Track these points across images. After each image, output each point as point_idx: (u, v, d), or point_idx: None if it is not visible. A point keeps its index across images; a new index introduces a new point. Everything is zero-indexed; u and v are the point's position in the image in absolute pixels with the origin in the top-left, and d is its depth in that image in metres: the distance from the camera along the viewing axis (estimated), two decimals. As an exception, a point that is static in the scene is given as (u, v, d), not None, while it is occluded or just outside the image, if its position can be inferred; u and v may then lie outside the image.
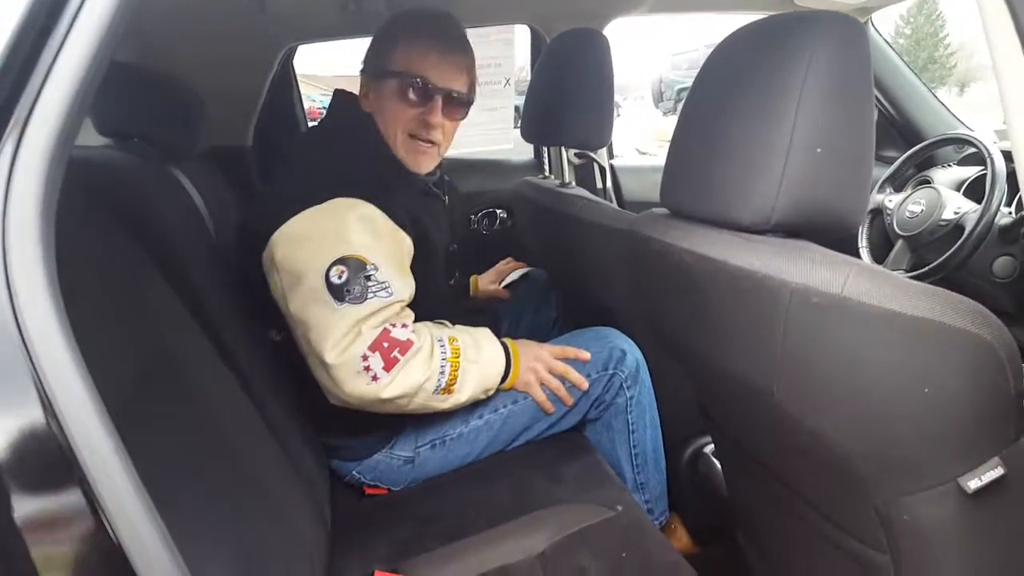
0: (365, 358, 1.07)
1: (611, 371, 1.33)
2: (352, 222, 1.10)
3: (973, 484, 0.64)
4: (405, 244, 1.19)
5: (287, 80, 1.98)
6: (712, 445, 1.47)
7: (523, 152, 2.19)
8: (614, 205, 1.77)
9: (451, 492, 1.27)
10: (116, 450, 0.52)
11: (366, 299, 1.08)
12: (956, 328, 0.60)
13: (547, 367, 1.29)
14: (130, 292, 0.85)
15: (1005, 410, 0.64)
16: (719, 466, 1.34)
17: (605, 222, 1.27)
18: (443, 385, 1.16)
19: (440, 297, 1.41)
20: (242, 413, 0.98)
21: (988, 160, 1.55)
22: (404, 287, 1.15)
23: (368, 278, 1.08)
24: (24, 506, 0.51)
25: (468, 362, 1.19)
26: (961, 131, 1.82)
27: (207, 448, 0.84)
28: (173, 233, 1.05)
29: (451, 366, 1.16)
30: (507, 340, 1.30)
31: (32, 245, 0.48)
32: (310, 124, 2.15)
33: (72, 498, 0.52)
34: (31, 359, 0.49)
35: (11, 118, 0.48)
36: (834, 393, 0.68)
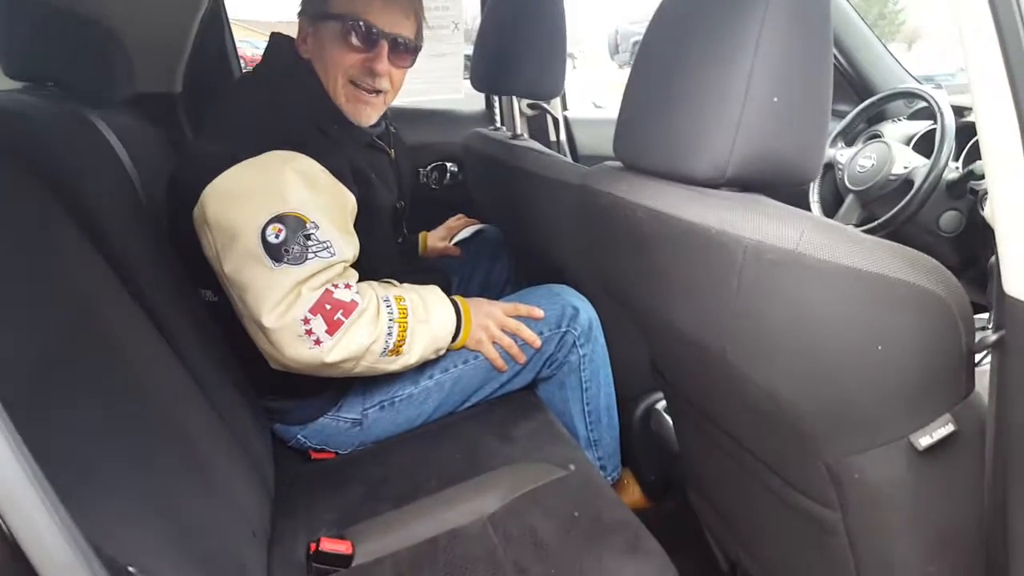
0: (306, 321, 1.02)
1: (564, 328, 1.31)
2: (290, 177, 1.03)
3: (924, 441, 0.64)
4: (348, 201, 1.12)
5: (218, 21, 1.85)
6: (664, 401, 1.47)
7: (474, 102, 2.12)
8: (567, 158, 1.73)
9: (400, 454, 1.25)
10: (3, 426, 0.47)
11: (306, 259, 1.01)
12: (912, 284, 0.59)
13: (499, 324, 1.26)
14: (44, 251, 0.78)
15: (956, 367, 0.63)
16: (671, 422, 1.34)
17: (556, 176, 1.23)
18: (391, 346, 1.11)
19: (387, 256, 1.35)
20: (173, 378, 0.93)
21: (938, 115, 1.55)
22: (347, 246, 1.08)
23: (308, 237, 1.02)
24: None
25: (417, 321, 1.14)
26: (912, 85, 1.82)
27: (134, 414, 0.79)
28: (94, 187, 0.97)
29: (399, 327, 1.12)
30: (457, 298, 1.26)
31: None
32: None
33: None
34: None
35: None
36: (787, 351, 0.67)
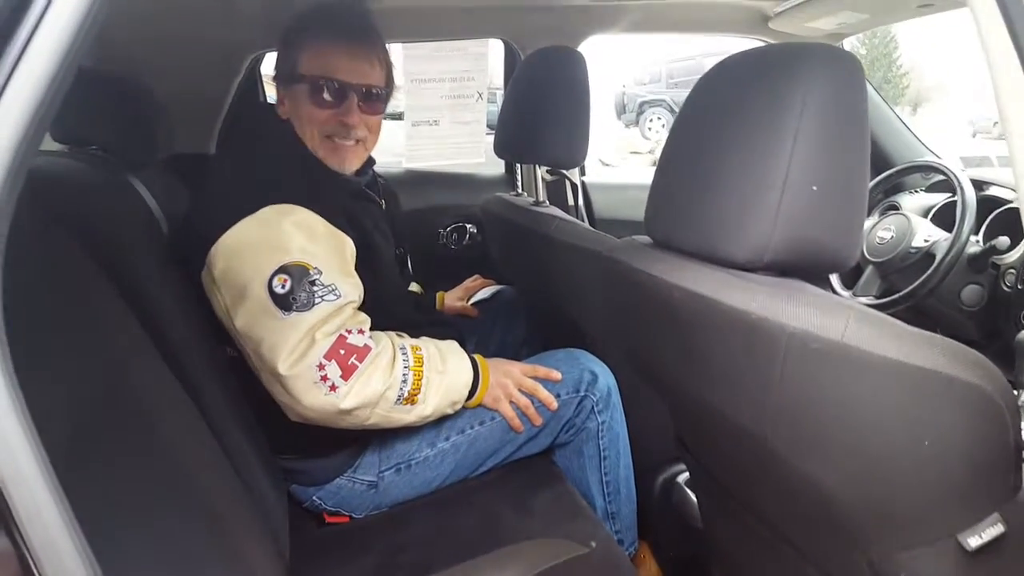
0: (321, 367, 1.03)
1: (582, 393, 1.30)
2: (288, 228, 1.06)
3: (973, 542, 0.61)
4: (347, 245, 1.15)
5: (253, 87, 1.90)
6: (685, 474, 1.44)
7: (493, 166, 2.15)
8: (587, 224, 1.74)
9: (416, 522, 1.22)
10: (51, 492, 0.47)
11: (314, 305, 1.04)
12: (959, 379, 0.58)
13: (517, 384, 1.25)
14: (83, 309, 0.78)
15: (1005, 463, 0.61)
16: (693, 497, 1.31)
17: (582, 244, 1.24)
18: (406, 394, 1.11)
19: (397, 299, 1.38)
20: (197, 439, 0.92)
21: (958, 188, 1.57)
22: (351, 288, 1.10)
23: (313, 283, 1.04)
24: None
25: (433, 372, 1.14)
26: (930, 158, 1.85)
27: (159, 480, 0.78)
28: (131, 249, 0.99)
29: (414, 374, 1.12)
30: (476, 355, 1.25)
31: None
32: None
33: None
34: None
35: None
36: (831, 442, 0.65)
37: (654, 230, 0.84)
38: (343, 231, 1.14)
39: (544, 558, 1.08)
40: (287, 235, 1.05)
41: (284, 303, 1.02)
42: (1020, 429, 0.61)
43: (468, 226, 2.05)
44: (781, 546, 0.86)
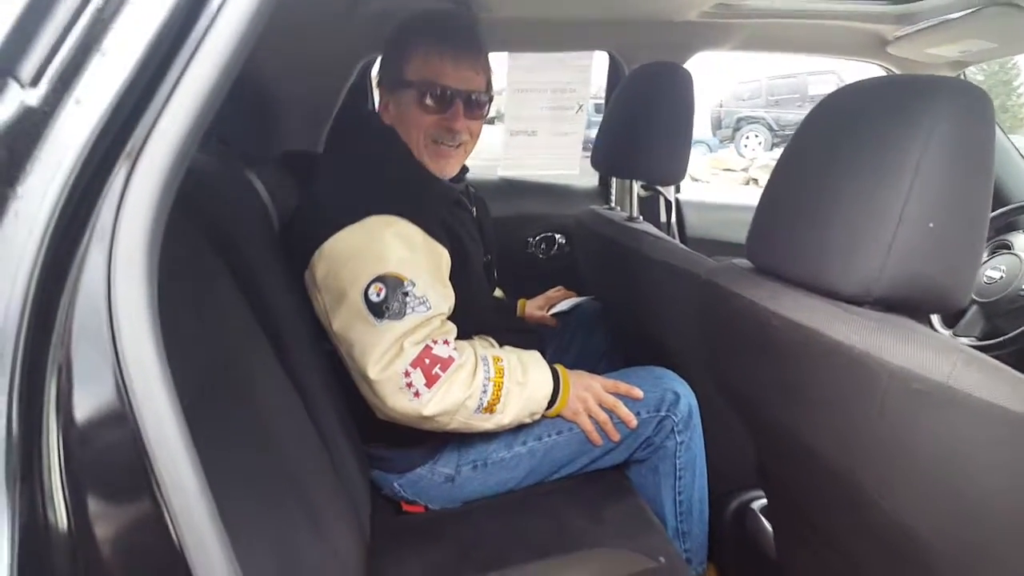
0: (407, 374, 1.08)
1: (663, 413, 1.30)
2: (389, 239, 1.11)
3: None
4: (443, 257, 1.20)
5: (363, 89, 1.99)
6: (761, 501, 1.42)
7: (587, 178, 2.17)
8: (676, 240, 1.73)
9: (489, 519, 1.25)
10: (188, 453, 0.52)
11: (405, 315, 1.08)
12: None
13: (597, 399, 1.26)
14: (203, 294, 0.85)
15: None
16: (768, 526, 1.29)
17: (676, 263, 1.24)
18: (485, 404, 1.15)
19: (483, 306, 1.41)
20: (296, 420, 0.98)
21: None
22: (442, 300, 1.15)
23: (406, 294, 1.09)
24: (96, 501, 0.50)
25: (513, 383, 1.18)
26: (1049, 198, 1.75)
27: (260, 454, 0.84)
28: (247, 240, 1.05)
29: (494, 385, 1.15)
30: (558, 366, 1.28)
31: (138, 273, 0.47)
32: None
33: (142, 497, 0.51)
34: (119, 364, 0.48)
35: (128, 141, 0.47)
36: (927, 486, 0.64)
37: (756, 255, 0.84)
38: (440, 241, 1.18)
39: (613, 568, 1.10)
40: (387, 246, 1.10)
41: (378, 311, 1.08)
42: None
43: (557, 236, 2.07)
44: (862, 585, 0.84)
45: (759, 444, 1.02)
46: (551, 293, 1.84)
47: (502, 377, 1.16)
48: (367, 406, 1.16)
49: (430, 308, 1.11)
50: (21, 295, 0.44)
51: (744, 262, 0.89)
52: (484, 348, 1.21)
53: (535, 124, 2.02)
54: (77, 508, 0.49)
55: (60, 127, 0.45)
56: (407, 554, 1.16)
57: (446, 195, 1.30)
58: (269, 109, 1.35)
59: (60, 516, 0.48)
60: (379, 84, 1.30)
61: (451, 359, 1.11)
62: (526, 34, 1.87)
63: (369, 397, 1.12)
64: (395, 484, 1.28)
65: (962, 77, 1.82)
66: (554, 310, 1.78)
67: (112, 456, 0.51)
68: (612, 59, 2.00)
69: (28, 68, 0.44)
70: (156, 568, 0.53)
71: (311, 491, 0.96)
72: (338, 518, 1.01)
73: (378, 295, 1.08)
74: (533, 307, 1.79)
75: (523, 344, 1.32)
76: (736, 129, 12.93)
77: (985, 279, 1.63)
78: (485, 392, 1.14)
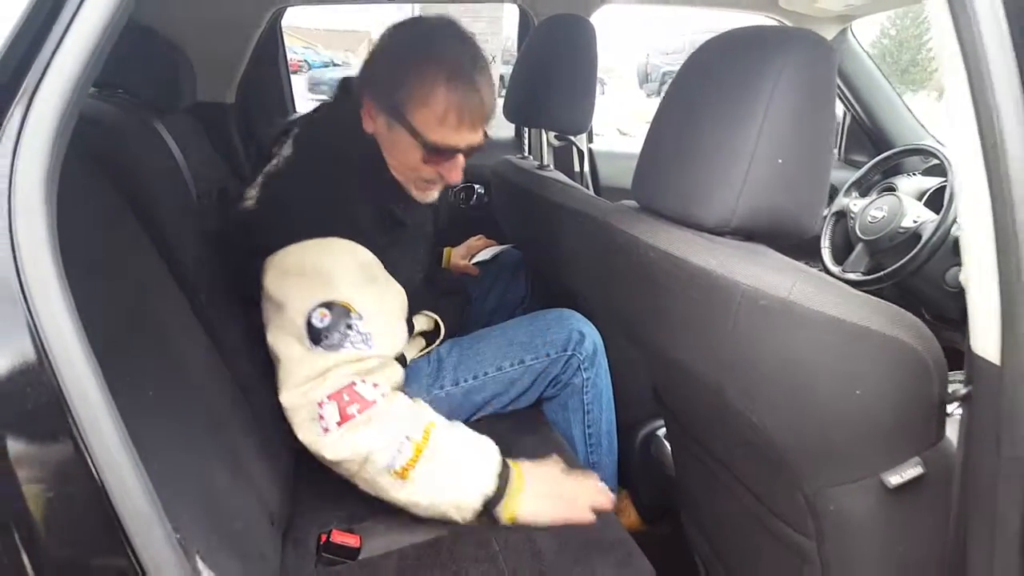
0: (321, 405, 1.03)
1: (569, 352, 1.38)
2: (348, 267, 1.06)
3: (894, 480, 0.70)
4: (399, 298, 1.17)
5: (274, 39, 1.96)
6: (664, 428, 1.53)
7: (503, 130, 2.20)
8: (589, 191, 1.80)
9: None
10: (103, 395, 0.55)
11: (342, 348, 1.03)
12: (891, 337, 0.65)
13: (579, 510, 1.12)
14: (112, 245, 0.87)
15: (927, 415, 0.69)
16: (669, 448, 1.41)
17: (579, 208, 1.31)
18: (397, 467, 1.04)
19: (423, 292, 1.38)
20: (212, 370, 1.01)
21: (949, 172, 1.62)
22: (388, 343, 1.10)
23: (349, 326, 1.04)
24: (17, 445, 0.54)
25: (439, 455, 1.06)
26: (927, 142, 1.89)
27: (176, 398, 0.87)
28: (156, 190, 1.06)
29: (413, 447, 1.05)
30: (514, 463, 1.14)
31: (38, 214, 0.50)
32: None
33: (61, 440, 0.55)
34: (31, 313, 0.51)
35: (21, 85, 0.50)
36: (775, 390, 0.73)
37: (639, 195, 0.92)
38: (401, 280, 1.16)
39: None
40: (344, 272, 1.05)
41: (315, 336, 1.02)
42: (945, 386, 0.69)
43: (476, 187, 2.12)
44: (736, 487, 0.95)
45: (652, 371, 1.11)
46: (472, 242, 1.89)
47: (427, 442, 1.06)
48: None
49: (371, 348, 1.05)
50: None
51: (634, 203, 0.96)
52: (422, 407, 1.13)
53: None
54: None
55: None
56: (327, 495, 1.19)
57: (413, 216, 1.22)
58: (177, 61, 1.34)
59: None
60: (369, 95, 1.14)
61: (373, 402, 1.04)
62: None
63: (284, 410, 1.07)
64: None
65: (849, 29, 1.93)
66: (476, 259, 1.84)
67: (31, 403, 0.54)
68: (522, 11, 2.03)
69: None
70: (79, 504, 0.57)
71: (230, 434, 1.00)
72: (259, 459, 1.05)
73: (321, 320, 1.03)
74: (457, 256, 1.84)
75: (451, 305, 1.36)
76: (662, 84, 13.14)
77: (869, 219, 1.76)
78: (400, 452, 1.04)
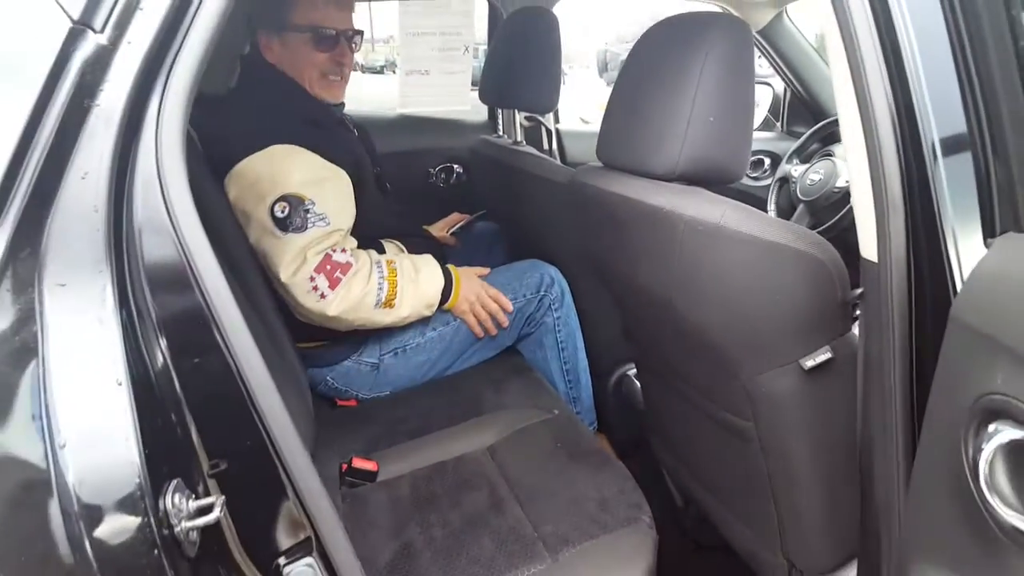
0: (312, 279, 1.29)
1: (541, 292, 1.59)
2: (290, 165, 1.29)
3: (808, 363, 0.89)
4: (342, 178, 1.39)
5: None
6: (634, 369, 1.73)
7: (478, 113, 2.38)
8: (558, 162, 1.99)
9: (413, 401, 1.50)
10: (238, 308, 0.72)
11: (307, 228, 1.28)
12: (799, 250, 0.85)
13: (481, 301, 1.52)
14: None
15: (833, 312, 0.89)
16: (639, 386, 1.60)
17: (549, 176, 1.50)
18: (383, 300, 1.37)
19: (381, 211, 1.61)
20: (246, 310, 1.17)
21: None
22: (341, 217, 1.35)
23: (307, 211, 1.28)
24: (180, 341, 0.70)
25: (406, 281, 1.40)
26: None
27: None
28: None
29: (388, 284, 1.38)
30: (451, 267, 1.52)
31: (178, 164, 0.68)
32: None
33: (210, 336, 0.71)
34: (181, 244, 0.68)
35: (165, 63, 0.68)
36: (713, 298, 0.93)
37: (602, 154, 1.11)
38: (339, 164, 1.37)
39: (517, 421, 1.37)
40: (289, 170, 1.29)
41: (282, 225, 1.27)
42: (847, 289, 0.88)
43: (455, 166, 2.28)
44: (690, 392, 1.15)
45: (620, 306, 1.31)
46: (450, 218, 2.06)
47: (395, 276, 1.39)
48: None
49: (329, 224, 1.31)
50: (108, 169, 0.64)
51: (597, 163, 1.15)
52: (379, 256, 1.43)
53: (427, 64, 2.21)
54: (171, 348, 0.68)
55: (120, 58, 0.65)
56: (345, 434, 1.38)
57: (333, 119, 1.49)
58: None
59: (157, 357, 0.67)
60: (259, 27, 1.42)
61: (349, 264, 1.32)
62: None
63: (287, 300, 1.33)
64: (328, 377, 1.50)
65: (784, 12, 2.14)
66: (451, 230, 2.01)
67: (181, 297, 0.70)
68: (491, 6, 2.20)
69: (99, 20, 0.64)
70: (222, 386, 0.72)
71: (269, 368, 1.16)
72: (290, 391, 1.21)
73: (282, 212, 1.27)
74: (435, 231, 2.00)
75: (426, 250, 1.55)
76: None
77: (808, 181, 1.97)
78: (381, 289, 1.37)
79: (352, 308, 1.34)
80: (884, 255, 0.78)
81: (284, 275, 1.28)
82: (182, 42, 0.68)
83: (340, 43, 1.44)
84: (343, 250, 1.33)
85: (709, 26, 0.93)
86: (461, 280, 1.51)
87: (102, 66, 0.65)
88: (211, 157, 1.31)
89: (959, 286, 0.72)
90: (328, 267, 1.30)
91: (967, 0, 0.72)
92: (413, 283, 1.41)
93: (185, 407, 0.68)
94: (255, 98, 1.40)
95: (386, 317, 1.40)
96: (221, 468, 0.71)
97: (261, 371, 0.72)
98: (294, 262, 1.28)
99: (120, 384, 0.59)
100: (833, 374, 0.92)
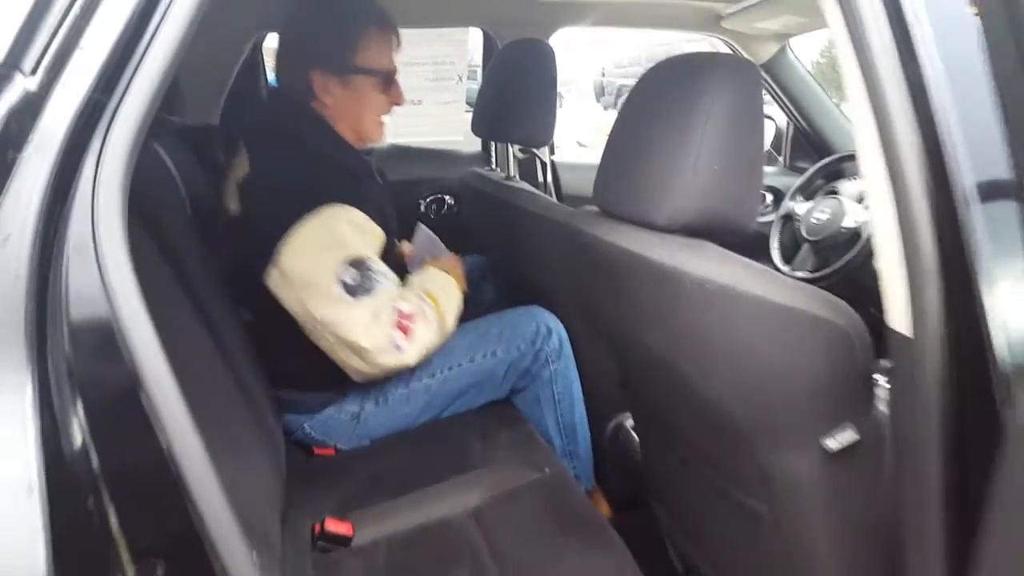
0: (390, 337, 1.25)
1: (537, 345, 1.49)
2: (345, 227, 1.24)
3: (833, 445, 0.80)
4: (380, 236, 1.33)
5: (256, 65, 2.05)
6: (632, 420, 1.64)
7: (471, 143, 2.31)
8: (553, 199, 1.91)
9: (394, 453, 1.40)
10: (173, 380, 0.63)
11: (375, 290, 1.24)
12: (817, 316, 0.76)
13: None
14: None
15: (856, 384, 0.80)
16: (637, 439, 1.51)
17: (544, 214, 1.42)
18: (437, 328, 1.35)
19: (399, 262, 1.57)
20: (212, 365, 1.08)
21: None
22: (389, 270, 1.31)
23: (371, 271, 1.24)
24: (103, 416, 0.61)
25: (443, 299, 1.39)
26: (864, 149, 2.03)
27: (192, 394, 0.94)
28: (158, 203, 1.12)
29: (436, 312, 1.36)
30: (432, 267, 1.50)
31: (115, 219, 0.60)
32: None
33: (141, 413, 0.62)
34: (116, 318, 0.60)
35: (104, 113, 0.60)
36: (724, 366, 0.84)
37: (600, 201, 1.02)
38: (377, 223, 1.31)
39: (505, 481, 1.27)
40: (345, 232, 1.24)
41: (352, 291, 1.22)
42: (870, 360, 0.79)
43: (446, 198, 2.21)
44: (697, 462, 1.05)
45: (619, 362, 1.22)
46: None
47: (436, 300, 1.37)
48: (279, 357, 1.29)
49: (388, 279, 1.28)
50: (32, 229, 0.56)
51: (595, 208, 1.07)
52: (406, 290, 1.38)
53: (420, 94, 2.15)
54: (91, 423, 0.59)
55: (52, 105, 0.58)
56: (320, 488, 1.29)
57: (367, 170, 1.43)
58: (172, 85, 1.41)
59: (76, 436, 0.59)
60: (318, 70, 1.32)
61: (411, 312, 1.29)
62: (407, 11, 1.98)
63: (356, 364, 1.26)
64: (305, 426, 1.40)
65: (787, 46, 2.08)
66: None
67: (112, 375, 0.62)
68: (486, 35, 2.15)
69: (29, 62, 0.57)
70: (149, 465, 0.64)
71: (234, 428, 1.06)
72: (257, 449, 1.12)
73: (351, 278, 1.22)
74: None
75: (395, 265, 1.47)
76: (618, 96, 13.39)
77: (813, 220, 1.89)
78: (435, 320, 1.35)
79: (425, 348, 1.32)
80: (920, 331, 0.69)
81: (365, 342, 1.23)
82: (127, 85, 0.60)
83: (395, 84, 1.41)
84: (401, 298, 1.30)
85: (715, 68, 0.85)
86: (448, 268, 1.50)
87: (31, 114, 0.57)
88: (253, 227, 1.26)
89: (1006, 359, 0.64)
90: (400, 321, 1.27)
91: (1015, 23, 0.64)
92: (446, 295, 1.40)
93: (111, 505, 0.59)
94: (302, 155, 1.31)
95: (443, 338, 1.38)
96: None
97: (199, 460, 0.63)
98: (372, 326, 1.23)
99: (31, 490, 0.50)
100: (859, 456, 0.82)
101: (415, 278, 1.43)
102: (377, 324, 1.24)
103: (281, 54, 1.39)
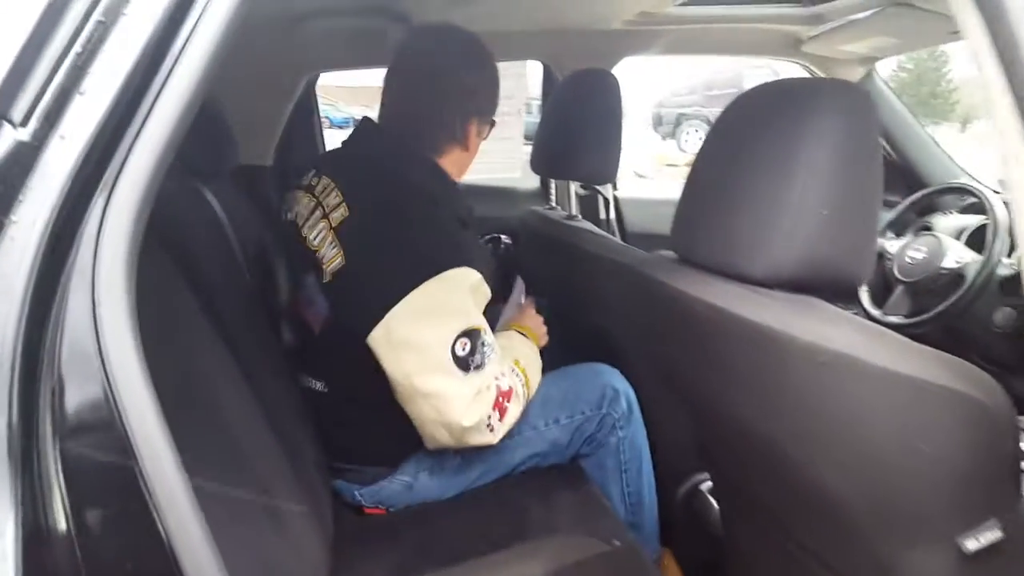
0: (488, 417, 1.15)
1: (604, 410, 1.36)
2: (466, 293, 1.15)
3: (972, 545, 0.65)
4: (488, 296, 1.24)
5: (309, 104, 2.03)
6: (709, 483, 1.48)
7: (529, 180, 2.23)
8: (618, 238, 1.80)
9: (448, 516, 1.29)
10: (173, 457, 0.56)
11: (485, 364, 1.13)
12: (955, 391, 0.62)
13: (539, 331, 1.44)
14: (168, 311, 0.87)
15: (1001, 471, 0.66)
16: (715, 505, 1.36)
17: (611, 256, 1.30)
18: (524, 404, 1.25)
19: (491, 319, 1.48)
20: (259, 434, 1.00)
21: (990, 211, 1.58)
22: (494, 338, 1.21)
23: (483, 344, 1.14)
24: (91, 501, 0.54)
25: (531, 369, 1.29)
26: (964, 180, 1.86)
27: (228, 462, 0.86)
28: (201, 249, 1.07)
29: (524, 385, 1.25)
30: (515, 328, 1.40)
31: (119, 294, 0.53)
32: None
33: (132, 496, 0.55)
34: (105, 370, 0.53)
35: (107, 167, 0.53)
36: (837, 446, 0.70)
37: (679, 246, 0.90)
38: (487, 282, 1.22)
39: (569, 553, 1.14)
40: (467, 299, 1.14)
41: (464, 364, 1.11)
42: (1018, 441, 0.65)
43: (503, 237, 2.13)
44: (794, 548, 0.90)
45: (698, 424, 1.08)
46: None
47: (525, 373, 1.26)
48: (336, 426, 1.24)
49: (496, 351, 1.17)
50: (17, 310, 0.49)
51: (671, 253, 0.95)
52: (504, 360, 1.25)
53: (479, 131, 2.07)
54: (75, 509, 0.52)
55: (47, 160, 0.51)
56: (368, 554, 1.19)
57: (473, 221, 1.34)
58: (222, 127, 1.38)
59: (59, 517, 0.52)
60: (472, 117, 1.30)
61: (510, 389, 1.19)
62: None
63: (444, 440, 1.16)
64: (356, 493, 1.31)
65: (874, 70, 1.93)
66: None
67: (104, 459, 0.55)
68: (545, 68, 2.08)
69: (19, 110, 0.50)
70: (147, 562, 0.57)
71: (278, 500, 0.98)
72: (304, 525, 1.03)
73: (464, 349, 1.11)
74: None
75: None
76: (676, 125, 13.24)
77: (908, 259, 1.72)
78: (525, 396, 1.24)
79: (510, 426, 1.21)
80: None
81: (467, 421, 1.11)
82: (137, 133, 0.52)
83: None
84: (502, 373, 1.19)
85: (820, 94, 0.73)
86: (525, 328, 1.41)
87: (22, 170, 0.50)
88: (364, 285, 1.14)
89: None
90: (500, 399, 1.16)
91: None
92: (533, 368, 1.30)
93: None
94: (413, 203, 1.18)
95: (525, 402, 1.27)
96: None
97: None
98: (474, 403, 1.12)
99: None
100: (1004, 558, 0.67)
101: (503, 340, 1.30)
102: (478, 402, 1.13)
103: (423, 95, 1.28)
